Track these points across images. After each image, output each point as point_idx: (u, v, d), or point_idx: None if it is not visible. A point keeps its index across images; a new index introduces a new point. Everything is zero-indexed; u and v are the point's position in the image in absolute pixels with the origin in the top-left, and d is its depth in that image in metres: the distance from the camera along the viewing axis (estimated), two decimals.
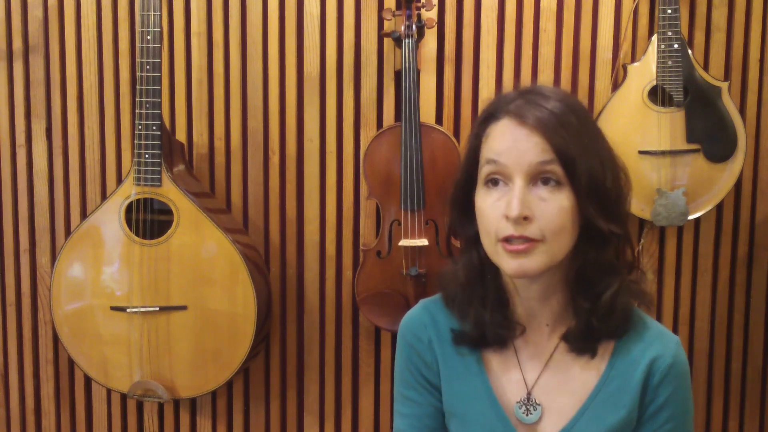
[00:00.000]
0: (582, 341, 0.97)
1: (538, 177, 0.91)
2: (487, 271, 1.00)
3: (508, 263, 0.92)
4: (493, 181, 0.93)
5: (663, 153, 1.91)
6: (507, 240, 0.90)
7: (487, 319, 0.99)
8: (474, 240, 1.00)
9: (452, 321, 1.04)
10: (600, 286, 0.96)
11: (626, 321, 0.97)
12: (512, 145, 0.91)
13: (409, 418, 1.05)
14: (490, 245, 0.94)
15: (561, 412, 0.98)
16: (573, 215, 0.91)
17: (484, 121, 0.97)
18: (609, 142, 0.97)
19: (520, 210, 0.89)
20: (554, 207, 0.90)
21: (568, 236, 0.92)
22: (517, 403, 0.99)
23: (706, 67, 2.00)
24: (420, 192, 1.84)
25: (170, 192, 1.81)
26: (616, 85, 1.97)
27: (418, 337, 1.05)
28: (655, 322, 1.01)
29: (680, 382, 0.97)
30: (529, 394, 0.99)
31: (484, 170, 0.94)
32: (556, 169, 0.90)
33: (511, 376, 1.00)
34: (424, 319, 1.06)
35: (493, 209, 0.92)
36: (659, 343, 0.98)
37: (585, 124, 0.94)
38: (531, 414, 0.98)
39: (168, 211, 1.82)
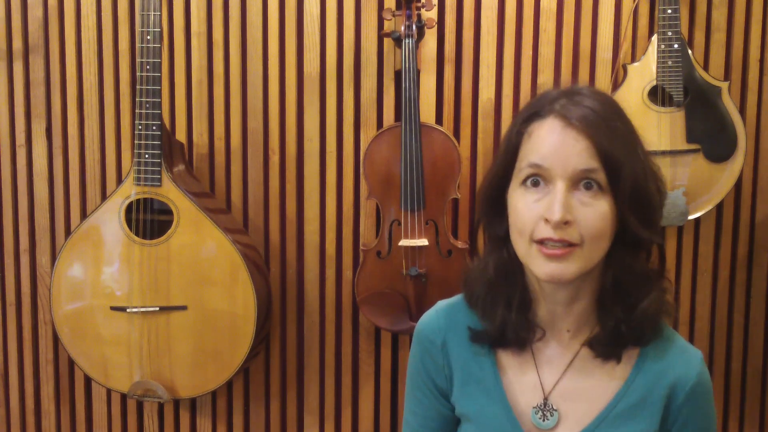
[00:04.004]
0: (608, 347, 0.96)
1: (580, 181, 0.89)
2: (517, 270, 0.98)
3: (541, 267, 0.89)
4: (533, 182, 0.90)
5: (663, 153, 1.91)
6: (542, 242, 0.88)
7: (512, 320, 0.97)
8: (503, 239, 0.97)
9: (473, 320, 1.02)
10: (636, 294, 0.94)
11: (654, 330, 0.96)
12: (558, 148, 0.89)
13: (417, 416, 1.07)
14: (523, 246, 0.91)
15: (577, 419, 0.96)
16: (612, 221, 0.90)
17: (528, 119, 0.93)
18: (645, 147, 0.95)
19: (563, 214, 0.87)
20: (595, 212, 0.88)
21: (605, 243, 0.90)
22: (534, 408, 0.98)
23: (706, 67, 2.00)
24: (420, 192, 1.84)
25: (170, 192, 1.81)
26: (616, 85, 1.97)
27: (431, 341, 1.04)
28: (678, 335, 1.00)
29: (704, 400, 0.97)
30: (546, 399, 0.98)
31: (524, 170, 0.91)
32: (600, 175, 0.88)
33: (528, 381, 0.99)
34: (440, 322, 1.04)
35: (531, 210, 0.90)
36: (683, 359, 0.97)
37: (629, 129, 0.92)
38: (548, 420, 0.97)
39: (168, 211, 1.82)
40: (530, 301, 0.99)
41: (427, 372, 1.04)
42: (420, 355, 1.05)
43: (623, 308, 0.94)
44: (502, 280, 0.98)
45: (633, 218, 0.90)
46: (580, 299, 0.96)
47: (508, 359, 1.00)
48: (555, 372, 0.98)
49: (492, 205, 0.98)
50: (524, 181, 0.91)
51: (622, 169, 0.88)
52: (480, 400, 1.00)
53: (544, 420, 0.97)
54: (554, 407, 0.97)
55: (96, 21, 2.01)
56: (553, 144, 0.89)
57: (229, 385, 2.07)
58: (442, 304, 1.07)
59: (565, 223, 0.87)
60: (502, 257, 0.98)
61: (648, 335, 0.96)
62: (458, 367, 1.02)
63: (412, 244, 1.85)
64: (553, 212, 0.87)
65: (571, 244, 0.88)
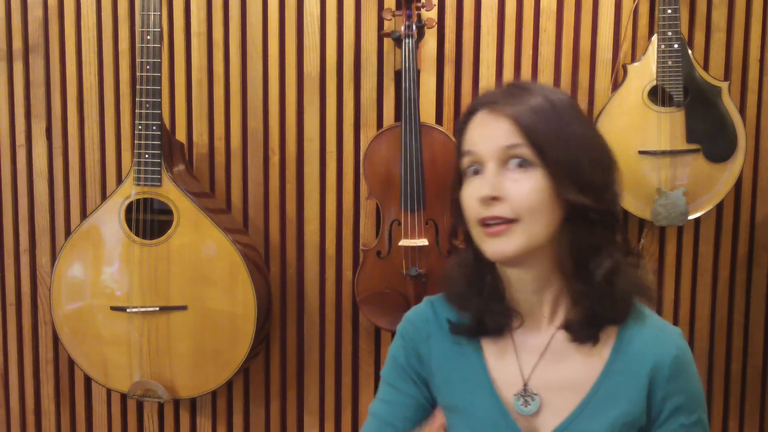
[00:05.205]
0: (583, 328, 0.97)
1: (508, 160, 0.93)
2: (484, 262, 1.01)
3: (487, 246, 0.94)
4: (473, 171, 0.96)
5: (663, 153, 1.91)
6: (485, 224, 0.93)
7: (486, 307, 1.01)
8: (469, 234, 1.01)
9: (452, 315, 1.05)
10: (591, 265, 0.96)
11: (627, 307, 0.98)
12: (484, 132, 0.95)
13: (389, 404, 1.06)
14: (474, 232, 0.96)
15: (561, 406, 0.98)
16: (550, 195, 0.93)
17: (465, 117, 1.00)
18: (595, 130, 1.00)
19: (488, 191, 0.92)
20: (526, 186, 0.92)
21: (547, 217, 0.93)
22: (515, 394, 0.99)
23: (706, 67, 2.00)
24: (420, 192, 1.84)
25: (170, 192, 1.81)
26: (616, 85, 1.97)
27: (417, 329, 1.06)
28: (655, 315, 1.01)
29: (687, 374, 0.97)
30: (525, 385, 0.99)
31: (464, 162, 0.98)
32: (526, 151, 0.92)
33: (510, 368, 1.01)
34: (428, 314, 1.07)
35: (470, 195, 0.96)
36: (662, 337, 0.98)
37: (560, 110, 0.96)
38: (529, 405, 0.98)
39: (168, 211, 1.82)
40: (503, 289, 1.02)
41: (408, 360, 1.06)
42: (403, 342, 1.07)
43: (584, 282, 0.96)
44: (477, 270, 1.03)
45: (570, 190, 0.93)
46: (548, 285, 0.99)
47: (490, 348, 1.03)
48: (533, 357, 1.00)
49: (457, 204, 1.02)
50: (467, 173, 0.98)
51: (547, 143, 0.92)
52: (467, 390, 1.01)
53: (525, 406, 0.98)
54: (534, 392, 0.98)
55: (96, 21, 2.01)
56: (479, 130, 0.96)
57: (229, 385, 2.07)
58: (430, 298, 1.10)
59: (494, 199, 0.92)
60: (469, 251, 1.03)
61: (622, 312, 0.98)
62: (441, 359, 1.04)
63: (412, 244, 1.85)
64: (480, 189, 0.93)
65: (508, 221, 0.92)
